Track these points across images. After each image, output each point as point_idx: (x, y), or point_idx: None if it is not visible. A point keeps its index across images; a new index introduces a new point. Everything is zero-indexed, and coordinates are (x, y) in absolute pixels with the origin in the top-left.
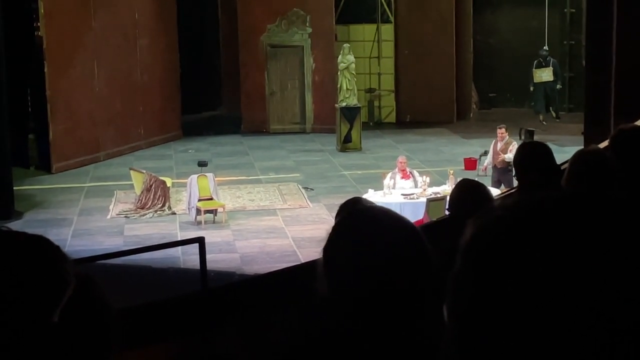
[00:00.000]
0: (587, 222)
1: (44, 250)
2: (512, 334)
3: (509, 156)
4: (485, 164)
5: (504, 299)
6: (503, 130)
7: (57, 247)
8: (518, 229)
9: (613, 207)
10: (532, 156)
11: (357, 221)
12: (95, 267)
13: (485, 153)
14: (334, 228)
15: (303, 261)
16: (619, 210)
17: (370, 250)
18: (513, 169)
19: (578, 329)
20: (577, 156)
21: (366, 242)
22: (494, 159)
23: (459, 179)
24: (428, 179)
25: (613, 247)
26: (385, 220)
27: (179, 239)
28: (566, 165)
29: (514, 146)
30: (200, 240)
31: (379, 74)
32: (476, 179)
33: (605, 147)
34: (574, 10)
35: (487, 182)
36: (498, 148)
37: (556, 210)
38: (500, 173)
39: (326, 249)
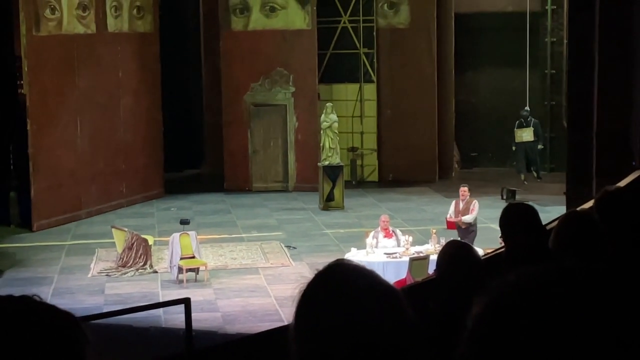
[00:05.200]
0: (589, 300)
1: (62, 320)
2: None
3: (469, 217)
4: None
5: None
6: (465, 189)
7: (72, 317)
8: (525, 306)
9: (612, 284)
10: (518, 217)
11: (330, 280)
12: None
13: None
14: (306, 287)
15: (286, 320)
16: (619, 287)
17: (343, 312)
18: (475, 229)
19: None
20: (565, 218)
21: (339, 302)
22: (457, 218)
23: (441, 238)
24: (411, 238)
25: (616, 324)
26: (361, 279)
27: (161, 297)
28: (551, 225)
29: (476, 205)
30: (186, 302)
31: (362, 133)
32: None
33: (590, 208)
34: (554, 72)
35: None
36: (460, 208)
37: (562, 287)
38: (464, 233)
39: (297, 310)
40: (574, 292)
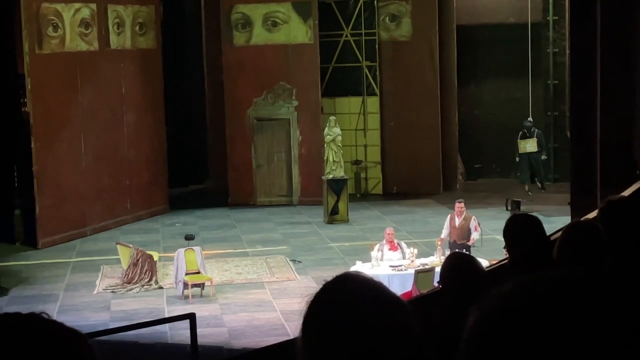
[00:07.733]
0: (584, 307)
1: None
2: None
3: (477, 235)
4: (442, 236)
5: None
6: (462, 204)
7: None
8: (518, 316)
9: (608, 292)
10: (522, 228)
11: (337, 291)
12: None
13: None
14: (313, 298)
15: (292, 335)
16: (613, 293)
17: (350, 323)
18: (471, 247)
19: None
20: (570, 228)
21: (346, 313)
22: (452, 234)
23: (446, 251)
24: (416, 251)
25: (611, 333)
26: (368, 290)
27: (166, 313)
28: (555, 236)
29: (475, 220)
30: (191, 317)
31: (365, 146)
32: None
33: (594, 218)
34: (557, 82)
35: (473, 251)
36: (456, 224)
37: (556, 296)
38: (460, 249)
39: (305, 321)
40: (570, 301)
